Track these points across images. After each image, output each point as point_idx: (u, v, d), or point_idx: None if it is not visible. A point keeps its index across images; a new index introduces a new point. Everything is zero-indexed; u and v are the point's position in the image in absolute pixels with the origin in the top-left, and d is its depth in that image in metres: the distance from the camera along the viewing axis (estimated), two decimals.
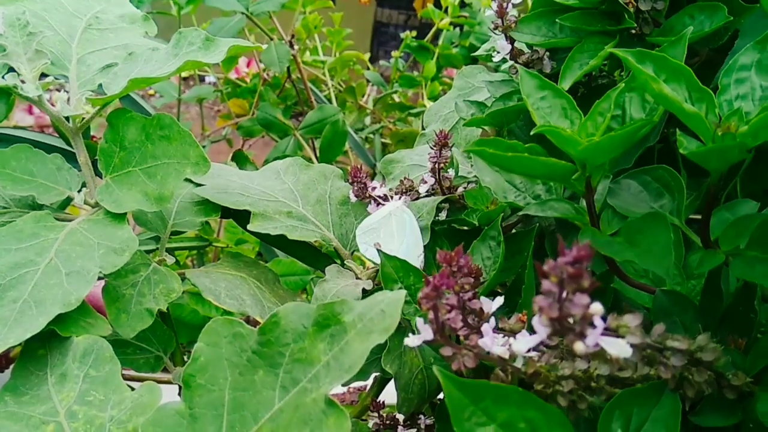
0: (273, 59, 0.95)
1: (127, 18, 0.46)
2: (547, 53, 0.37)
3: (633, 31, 0.33)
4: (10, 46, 0.39)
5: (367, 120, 1.44)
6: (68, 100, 0.40)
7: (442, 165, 0.43)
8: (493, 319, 0.25)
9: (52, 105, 0.39)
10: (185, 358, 0.46)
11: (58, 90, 0.41)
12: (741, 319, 0.26)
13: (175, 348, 0.43)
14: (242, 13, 0.87)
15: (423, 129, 0.57)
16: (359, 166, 0.46)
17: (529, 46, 0.37)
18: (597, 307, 0.19)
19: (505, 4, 0.36)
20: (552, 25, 0.35)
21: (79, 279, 0.34)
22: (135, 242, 0.36)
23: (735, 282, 0.25)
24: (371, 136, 1.40)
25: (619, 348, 0.19)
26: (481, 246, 0.39)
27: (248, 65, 1.47)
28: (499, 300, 0.26)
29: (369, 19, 3.25)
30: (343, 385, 0.45)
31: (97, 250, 0.35)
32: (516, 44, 0.37)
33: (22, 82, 0.38)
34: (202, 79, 1.46)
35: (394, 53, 1.47)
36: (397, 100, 1.43)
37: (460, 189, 0.44)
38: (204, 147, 1.39)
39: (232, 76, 1.44)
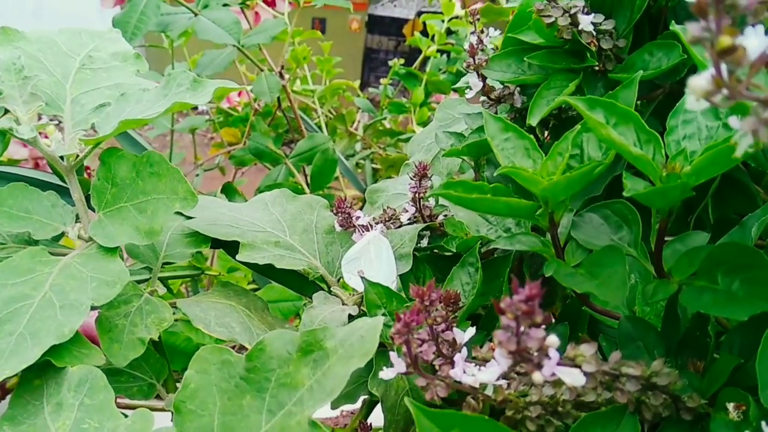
0: (264, 90, 0.97)
1: (120, 56, 0.48)
2: (518, 89, 0.39)
3: (596, 68, 0.35)
4: (6, 90, 0.40)
5: (358, 146, 1.46)
6: (62, 139, 0.41)
7: (422, 194, 0.45)
8: (465, 349, 0.27)
9: (47, 144, 0.41)
10: (178, 384, 0.47)
11: (55, 124, 0.43)
12: (698, 343, 0.27)
13: (168, 375, 0.44)
14: (233, 46, 0.89)
15: (408, 158, 0.59)
16: (343, 197, 0.47)
17: (501, 82, 0.38)
18: (552, 340, 0.20)
19: (478, 43, 0.38)
20: (521, 63, 0.37)
21: (73, 311, 0.35)
22: (126, 275, 0.37)
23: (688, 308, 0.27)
24: (362, 161, 1.42)
25: (574, 377, 0.21)
26: (460, 272, 0.40)
27: (239, 94, 1.49)
28: (471, 331, 0.27)
29: (359, 46, 3.29)
30: (334, 409, 0.46)
31: (89, 283, 0.37)
32: (488, 81, 0.39)
33: (18, 123, 0.40)
34: (194, 108, 1.47)
35: (383, 80, 1.49)
36: (387, 126, 1.45)
37: (440, 217, 0.45)
38: (197, 175, 1.41)
39: (224, 105, 1.47)
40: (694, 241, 0.26)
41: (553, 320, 0.41)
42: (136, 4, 0.80)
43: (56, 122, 0.42)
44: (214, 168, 1.45)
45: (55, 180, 0.52)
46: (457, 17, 1.41)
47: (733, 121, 0.16)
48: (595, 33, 0.33)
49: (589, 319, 0.40)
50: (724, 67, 0.15)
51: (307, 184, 1.10)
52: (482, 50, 0.52)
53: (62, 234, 0.41)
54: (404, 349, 0.25)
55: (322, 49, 1.40)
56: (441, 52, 1.46)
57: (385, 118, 1.40)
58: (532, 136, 0.30)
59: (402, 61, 1.46)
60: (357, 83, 1.56)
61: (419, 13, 3.18)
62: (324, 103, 1.42)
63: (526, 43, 0.36)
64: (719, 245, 0.24)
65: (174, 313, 0.41)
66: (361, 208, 1.31)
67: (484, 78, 0.38)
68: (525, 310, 0.19)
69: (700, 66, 0.24)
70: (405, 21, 3.17)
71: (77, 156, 0.41)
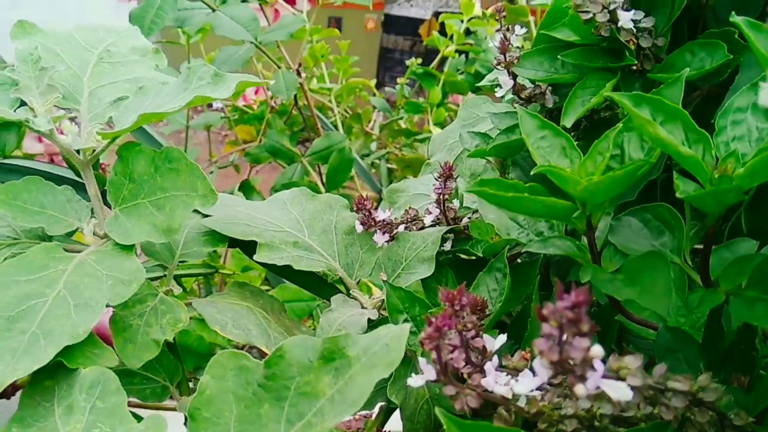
0: (281, 88, 0.96)
1: (139, 51, 0.47)
2: (550, 88, 0.37)
3: (634, 68, 0.34)
4: (22, 81, 0.40)
5: (373, 146, 1.45)
6: (79, 133, 0.40)
7: (446, 196, 0.43)
8: (496, 357, 0.26)
9: (63, 137, 0.40)
10: (191, 386, 0.46)
11: (72, 117, 0.42)
12: (743, 357, 0.26)
13: (182, 377, 0.43)
14: (251, 43, 0.88)
15: (428, 157, 0.58)
16: (364, 195, 0.46)
17: (532, 81, 0.37)
18: (597, 350, 0.19)
19: (507, 40, 0.36)
20: (554, 61, 0.36)
21: (87, 311, 0.34)
22: (142, 273, 0.36)
23: (737, 320, 0.25)
24: (377, 161, 1.40)
25: (620, 391, 0.19)
26: (486, 278, 0.39)
27: (256, 92, 1.49)
28: (502, 338, 0.26)
29: (375, 45, 3.28)
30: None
31: (105, 281, 0.36)
32: (518, 79, 0.37)
33: (34, 115, 0.39)
34: (209, 105, 1.47)
35: (400, 80, 1.48)
36: (403, 126, 1.44)
37: (465, 220, 0.44)
38: (212, 173, 1.40)
39: (240, 102, 1.46)
40: (743, 248, 0.25)
41: None
42: None
43: (73, 115, 0.41)
44: (229, 165, 1.45)
45: (71, 175, 0.51)
46: (476, 17, 1.40)
47: None
48: (634, 31, 0.32)
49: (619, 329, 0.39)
50: None
51: (323, 183, 1.09)
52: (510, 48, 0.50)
53: (76, 230, 0.40)
54: (434, 355, 0.24)
55: (339, 48, 1.39)
56: (459, 52, 1.45)
57: (401, 118, 1.39)
58: (569, 135, 0.29)
59: (419, 60, 1.45)
60: (373, 82, 1.55)
61: (436, 14, 3.17)
62: (340, 102, 1.42)
63: (560, 41, 0.35)
64: None
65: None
66: (375, 209, 1.29)
67: (514, 76, 0.37)
68: (571, 317, 0.18)
69: (764, 63, 0.23)
70: (421, 21, 3.16)
71: (94, 150, 0.40)
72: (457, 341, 0.24)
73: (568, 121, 0.33)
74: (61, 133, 0.39)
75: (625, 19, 0.31)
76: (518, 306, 0.42)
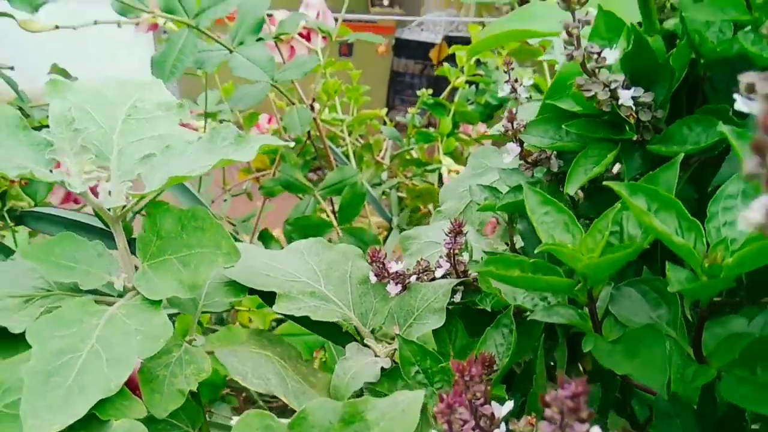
0: (294, 123, 0.99)
1: (164, 106, 0.50)
2: (555, 153, 0.40)
3: (634, 139, 0.36)
4: (57, 142, 0.42)
5: (384, 175, 1.48)
6: (109, 190, 0.43)
7: (456, 250, 0.45)
8: (504, 425, 0.27)
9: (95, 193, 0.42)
10: (212, 431, 0.48)
11: (102, 173, 0.45)
12: (735, 426, 0.28)
13: (203, 423, 0.45)
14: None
15: (440, 204, 0.60)
16: (378, 248, 0.49)
17: (538, 147, 0.39)
18: None
19: (513, 115, 0.39)
20: (559, 129, 0.38)
21: (119, 365, 0.36)
22: (170, 329, 0.39)
23: (726, 397, 0.27)
24: (388, 190, 1.43)
25: None
26: (494, 333, 0.41)
27: (269, 121, 1.52)
28: (509, 405, 0.28)
29: (386, 69, 3.32)
30: None
31: (135, 336, 0.38)
32: (525, 145, 0.40)
33: (69, 175, 0.41)
34: None
35: (411, 110, 1.51)
36: (414, 155, 1.46)
37: (474, 273, 0.46)
38: (225, 200, 1.43)
39: (253, 132, 1.49)
40: (735, 326, 0.27)
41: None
42: (174, 43, 0.82)
43: (104, 175, 0.44)
44: (242, 193, 1.47)
45: (97, 222, 0.54)
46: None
47: None
48: (634, 107, 0.34)
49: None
50: None
51: (335, 215, 1.11)
52: (516, 98, 0.53)
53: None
54: (446, 427, 0.26)
55: (351, 77, 1.42)
56: (470, 83, 1.47)
57: (412, 149, 1.42)
58: (570, 212, 0.31)
59: (430, 91, 1.48)
60: (384, 111, 1.58)
61: (446, 38, 3.21)
62: (352, 132, 1.44)
63: (564, 111, 0.37)
64: (762, 337, 0.25)
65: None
66: (385, 239, 1.31)
67: (521, 142, 0.39)
68: (571, 406, 0.20)
69: (739, 158, 0.25)
70: (432, 45, 3.20)
71: (124, 207, 0.43)
72: (467, 415, 0.26)
73: (571, 189, 0.35)
74: (94, 191, 0.42)
75: (625, 97, 0.33)
76: (526, 357, 0.44)
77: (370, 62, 2.97)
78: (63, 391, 0.35)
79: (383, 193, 1.44)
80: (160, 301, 0.40)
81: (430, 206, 1.43)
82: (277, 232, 1.52)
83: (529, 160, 0.40)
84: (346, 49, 3.13)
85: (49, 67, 0.78)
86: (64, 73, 0.78)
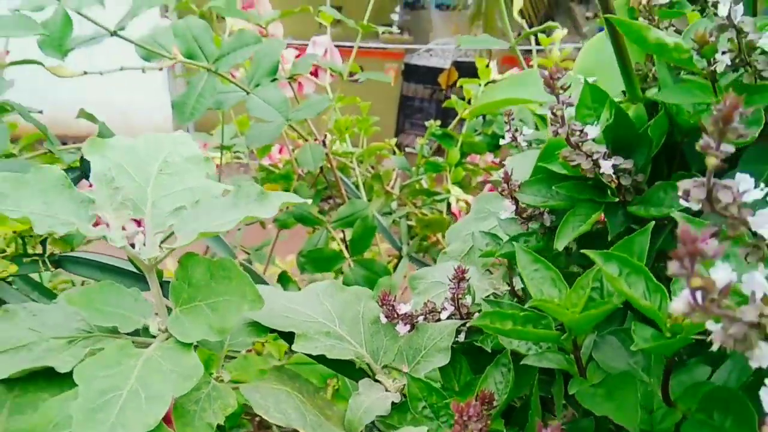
0: (308, 159, 1.04)
1: (192, 160, 0.55)
2: (547, 210, 0.44)
3: (617, 200, 0.40)
4: (98, 199, 0.47)
5: (394, 204, 1.52)
6: (144, 241, 0.48)
7: (460, 295, 0.50)
8: None
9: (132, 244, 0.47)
10: None
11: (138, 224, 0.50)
12: None
13: None
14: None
15: (446, 245, 0.65)
16: (388, 291, 0.53)
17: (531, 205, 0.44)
18: None
19: (509, 175, 0.43)
20: (550, 189, 0.43)
21: (157, 403, 0.41)
22: (201, 370, 0.43)
23: None
24: (398, 219, 1.48)
25: None
26: (494, 371, 0.45)
27: (280, 151, 1.58)
28: None
29: (395, 93, 3.38)
30: None
31: (169, 375, 0.43)
32: (520, 203, 0.44)
33: (109, 230, 0.46)
34: (237, 159, 1.56)
35: (420, 140, 1.56)
36: (423, 185, 1.51)
37: (476, 315, 0.51)
38: (239, 230, 1.49)
39: (266, 162, 1.55)
40: (698, 374, 0.31)
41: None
42: (194, 86, 0.88)
43: (139, 228, 0.49)
44: (255, 222, 1.53)
45: (127, 266, 0.59)
46: (493, 81, 1.48)
47: (710, 325, 0.21)
48: (614, 173, 0.39)
49: None
50: (698, 293, 0.20)
51: (346, 246, 1.16)
52: (516, 147, 0.58)
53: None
54: None
55: (362, 109, 1.48)
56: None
57: (421, 179, 1.47)
58: (557, 270, 0.36)
59: (438, 122, 1.53)
60: (393, 141, 1.64)
61: (455, 63, 3.27)
62: (362, 162, 1.50)
63: (555, 173, 0.42)
64: (716, 387, 0.29)
65: None
66: (395, 267, 1.36)
67: (516, 200, 0.44)
68: None
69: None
70: (440, 70, 3.27)
71: (157, 257, 0.48)
72: None
73: (560, 245, 0.40)
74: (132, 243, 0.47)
75: (606, 166, 0.38)
76: (524, 392, 0.49)
77: (380, 87, 3.04)
78: (107, 426, 0.40)
79: (393, 221, 1.49)
80: (191, 343, 0.45)
81: (439, 235, 1.48)
82: (290, 258, 1.57)
83: (524, 215, 0.44)
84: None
85: (78, 111, 0.84)
86: (91, 118, 0.83)
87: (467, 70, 1.71)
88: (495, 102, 0.49)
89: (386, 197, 1.50)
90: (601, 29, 0.55)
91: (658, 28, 0.41)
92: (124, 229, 0.47)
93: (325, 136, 1.14)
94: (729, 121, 0.22)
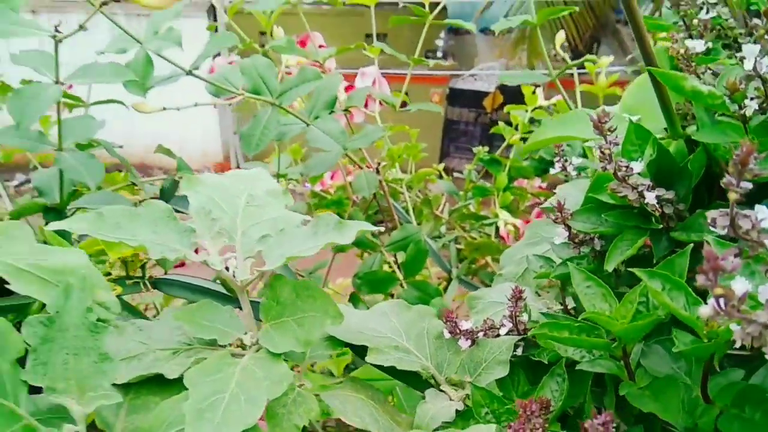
0: (363, 186, 1.12)
1: (272, 193, 0.63)
2: (597, 236, 0.50)
3: (660, 227, 0.46)
4: (198, 229, 0.55)
5: (443, 228, 1.59)
6: (236, 265, 0.56)
7: (517, 312, 0.56)
8: None
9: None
10: None
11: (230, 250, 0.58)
12: None
13: None
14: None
15: (500, 269, 0.71)
16: (451, 309, 0.60)
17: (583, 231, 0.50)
18: None
19: (562, 204, 0.50)
20: (599, 217, 0.49)
21: (254, 405, 0.48)
22: (290, 376, 0.50)
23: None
24: (447, 243, 1.54)
25: None
26: (550, 381, 0.51)
27: (332, 177, 1.66)
28: None
29: (440, 117, 3.46)
30: None
31: (263, 381, 0.50)
32: (572, 230, 0.51)
33: (208, 255, 0.54)
34: (292, 191, 1.64)
35: (468, 166, 1.63)
36: (471, 209, 1.58)
37: (533, 331, 0.57)
38: None
39: (317, 188, 1.64)
40: (733, 376, 0.37)
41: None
42: (260, 119, 0.97)
43: (230, 254, 0.57)
44: None
45: (214, 286, 0.67)
46: (540, 107, 1.55)
47: (733, 326, 0.27)
48: (658, 203, 0.45)
49: None
50: (721, 300, 0.26)
51: (399, 268, 1.23)
52: (566, 177, 0.64)
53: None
54: None
55: (410, 135, 1.56)
56: (524, 139, 1.59)
57: (469, 204, 1.53)
58: (608, 287, 0.42)
59: (486, 148, 1.60)
60: (441, 166, 1.71)
61: (499, 87, 3.33)
62: (411, 188, 1.57)
63: (603, 202, 0.48)
64: (748, 385, 0.35)
65: None
66: (446, 288, 1.43)
67: (569, 227, 0.50)
68: (601, 430, 0.31)
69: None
70: (485, 94, 3.33)
71: (248, 279, 0.55)
72: None
73: (609, 267, 0.46)
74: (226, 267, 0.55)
75: (650, 197, 0.44)
76: (578, 401, 0.54)
77: (425, 111, 3.12)
78: (214, 424, 0.47)
79: (443, 245, 1.56)
80: (281, 354, 0.52)
81: (488, 258, 1.53)
82: (340, 281, 1.64)
83: (576, 240, 0.51)
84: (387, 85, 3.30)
85: (156, 147, 0.93)
86: (169, 153, 0.92)
87: (512, 93, 1.77)
88: (547, 140, 0.56)
89: (436, 221, 1.57)
90: None
91: (696, 73, 0.47)
92: (220, 254, 0.55)
93: (378, 164, 1.21)
94: (746, 163, 0.28)
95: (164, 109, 0.93)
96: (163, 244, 0.53)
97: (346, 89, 1.36)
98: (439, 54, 3.22)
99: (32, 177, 0.79)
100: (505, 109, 1.64)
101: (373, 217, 1.51)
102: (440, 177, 1.64)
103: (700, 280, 0.26)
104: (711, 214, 0.29)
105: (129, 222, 0.54)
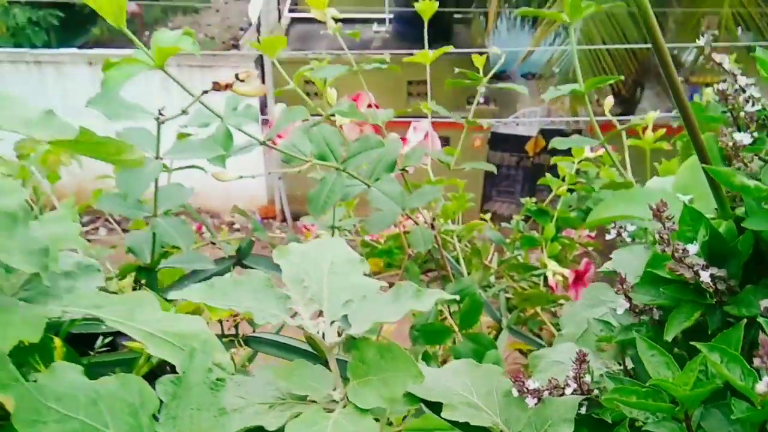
0: (419, 242, 1.19)
1: (351, 262, 0.70)
2: (655, 307, 0.57)
3: (714, 302, 0.53)
4: (293, 296, 0.63)
5: (492, 277, 1.65)
6: (325, 328, 0.63)
7: (581, 374, 0.62)
8: None
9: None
10: None
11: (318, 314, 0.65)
12: None
13: None
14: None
15: (560, 329, 0.77)
16: (521, 370, 0.66)
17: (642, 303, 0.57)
18: None
19: (623, 278, 0.56)
20: (657, 290, 0.55)
21: None
22: (377, 429, 0.57)
23: None
24: (497, 293, 1.60)
25: None
26: None
27: None
28: None
29: (481, 160, 3.52)
30: None
31: None
32: (633, 300, 0.57)
33: (302, 320, 0.62)
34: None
35: (516, 216, 1.69)
36: (520, 259, 1.64)
37: (596, 391, 0.63)
38: None
39: (368, 238, 1.72)
40: None
41: None
42: (326, 183, 1.05)
43: (319, 313, 0.64)
44: None
45: (298, 344, 0.75)
46: (586, 159, 1.61)
47: None
48: (711, 281, 0.51)
49: None
50: None
51: (451, 316, 1.29)
52: (622, 241, 0.70)
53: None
54: None
55: (458, 186, 1.63)
56: (571, 190, 1.65)
57: (518, 255, 1.59)
58: (670, 356, 0.48)
59: (533, 199, 1.66)
60: (488, 215, 1.78)
61: (541, 131, 3.40)
62: (461, 238, 1.64)
63: (662, 277, 0.55)
64: None
65: None
66: (496, 337, 1.49)
67: (630, 299, 0.57)
68: None
69: None
70: (527, 138, 3.40)
71: (336, 341, 0.63)
72: None
73: (669, 337, 0.52)
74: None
75: (705, 276, 0.50)
76: None
77: (467, 155, 3.20)
78: None
79: (492, 294, 1.62)
80: (367, 409, 0.59)
81: (538, 308, 1.58)
82: (385, 327, 1.71)
83: (636, 310, 0.57)
84: (443, 144, 3.39)
85: (232, 207, 1.02)
86: (243, 213, 1.01)
87: (554, 137, 1.83)
88: (607, 218, 0.62)
89: (485, 271, 1.63)
90: (691, 95, 0.68)
91: (744, 162, 0.54)
92: (311, 319, 0.62)
93: (433, 219, 1.29)
94: None
95: (240, 177, 1.02)
96: (265, 311, 0.60)
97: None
98: (481, 99, 3.32)
99: (126, 239, 0.88)
100: (552, 160, 1.70)
101: (422, 266, 1.58)
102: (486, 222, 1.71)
103: (756, 362, 0.32)
104: (763, 303, 0.36)
105: (234, 290, 0.62)
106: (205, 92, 0.72)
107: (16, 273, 0.52)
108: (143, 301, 0.57)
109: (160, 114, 0.73)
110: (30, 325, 0.46)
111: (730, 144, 0.53)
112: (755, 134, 0.55)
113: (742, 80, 0.56)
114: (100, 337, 0.67)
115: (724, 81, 0.56)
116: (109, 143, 0.47)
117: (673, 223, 0.50)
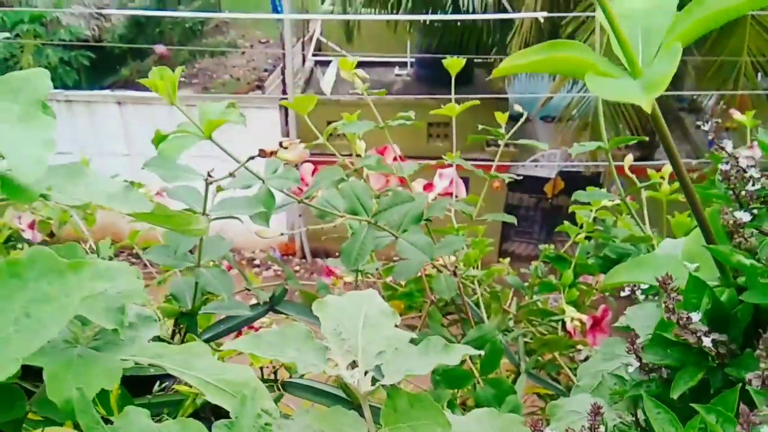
0: (443, 289, 1.26)
1: (383, 314, 0.77)
2: (663, 365, 0.63)
3: (716, 364, 0.59)
4: (331, 347, 0.70)
5: (510, 322, 1.71)
6: (360, 379, 0.70)
7: (596, 425, 0.68)
8: None
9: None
10: None
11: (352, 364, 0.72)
12: None
13: None
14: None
15: (577, 381, 0.83)
16: (539, 418, 0.72)
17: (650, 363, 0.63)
18: None
19: (633, 343, 0.63)
20: (665, 351, 0.62)
21: None
22: None
23: None
24: (516, 337, 1.65)
25: None
26: None
27: None
28: None
29: (500, 202, 3.60)
30: None
31: None
32: (642, 360, 0.63)
33: (340, 370, 0.69)
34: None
35: (534, 263, 1.75)
36: (539, 305, 1.69)
37: None
38: None
39: (389, 279, 1.78)
40: None
41: None
42: (358, 236, 1.13)
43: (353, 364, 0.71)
44: None
45: (332, 389, 0.81)
46: (604, 207, 1.68)
47: None
48: (713, 345, 0.57)
49: None
50: None
51: (471, 360, 1.35)
52: (634, 300, 0.77)
53: None
54: None
55: (477, 231, 1.70)
56: (588, 238, 1.71)
57: (537, 301, 1.65)
58: (674, 414, 0.54)
59: (552, 246, 1.73)
60: (507, 260, 1.84)
61: (560, 173, 3.47)
62: (481, 283, 1.70)
63: (669, 339, 0.61)
64: None
65: None
66: (514, 381, 1.55)
67: (640, 358, 0.63)
68: None
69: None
70: (546, 180, 3.47)
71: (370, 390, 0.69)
72: None
73: (675, 395, 0.59)
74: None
75: (707, 341, 0.57)
76: None
77: (487, 197, 3.28)
78: None
79: (512, 338, 1.67)
80: None
81: (556, 353, 1.64)
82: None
83: (646, 368, 0.63)
84: (464, 181, 3.47)
85: (266, 255, 1.09)
86: (276, 261, 1.09)
87: (572, 178, 1.89)
88: (620, 282, 0.69)
89: (504, 315, 1.69)
90: (710, 145, 0.74)
91: (744, 237, 0.60)
92: (347, 368, 0.69)
93: (456, 266, 1.36)
94: None
95: (282, 234, 1.10)
96: (306, 361, 0.67)
97: (425, 187, 1.52)
98: (501, 141, 3.39)
99: (169, 285, 0.96)
100: (571, 208, 1.77)
101: (444, 309, 1.64)
102: (507, 272, 1.77)
103: (738, 428, 0.39)
104: (749, 375, 0.42)
105: (278, 341, 0.69)
106: (251, 158, 0.80)
107: (91, 326, 0.60)
108: (199, 352, 0.64)
109: (209, 176, 0.81)
110: (109, 375, 0.53)
111: (731, 222, 0.59)
112: (755, 211, 0.62)
113: (744, 162, 0.63)
114: (157, 382, 0.74)
115: (727, 163, 0.63)
116: (180, 216, 0.55)
117: (678, 293, 0.57)
